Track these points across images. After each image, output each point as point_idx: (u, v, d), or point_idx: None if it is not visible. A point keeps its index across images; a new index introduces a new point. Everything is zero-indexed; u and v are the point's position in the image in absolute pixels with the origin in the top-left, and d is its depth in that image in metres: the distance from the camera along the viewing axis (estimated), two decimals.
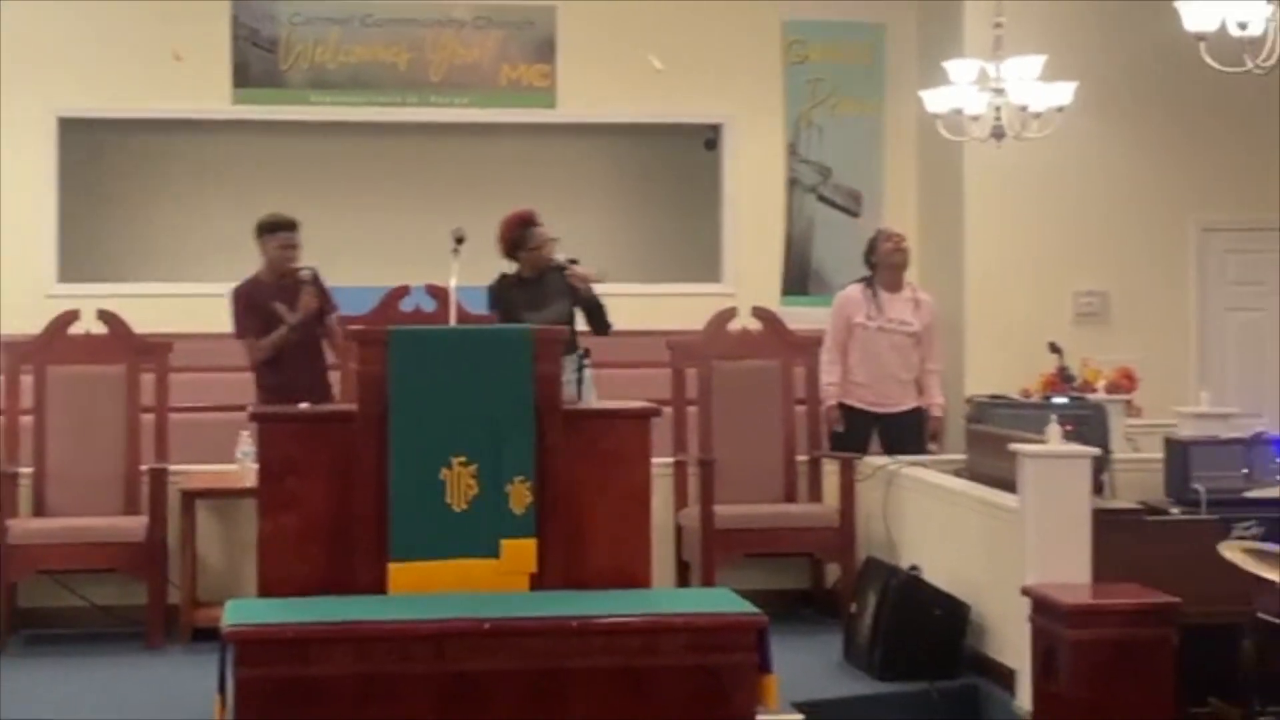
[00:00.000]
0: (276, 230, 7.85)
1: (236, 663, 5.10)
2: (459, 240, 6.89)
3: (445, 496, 5.62)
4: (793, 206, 11.15)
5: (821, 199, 11.16)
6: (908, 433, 8.46)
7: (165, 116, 10.93)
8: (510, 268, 7.87)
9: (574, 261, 7.85)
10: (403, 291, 7.68)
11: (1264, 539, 6.62)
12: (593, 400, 7.22)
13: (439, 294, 7.22)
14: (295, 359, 7.75)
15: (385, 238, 11.33)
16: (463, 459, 5.64)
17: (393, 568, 5.59)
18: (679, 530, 7.92)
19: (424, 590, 5.53)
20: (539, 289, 7.74)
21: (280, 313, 7.73)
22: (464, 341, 5.92)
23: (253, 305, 7.83)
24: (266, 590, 5.68)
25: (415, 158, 11.76)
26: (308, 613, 5.29)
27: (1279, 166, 10.38)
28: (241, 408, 6.84)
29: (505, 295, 7.77)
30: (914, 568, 7.08)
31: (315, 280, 7.77)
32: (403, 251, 10.50)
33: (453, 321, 6.64)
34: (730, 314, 8.38)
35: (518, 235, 7.84)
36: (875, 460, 8.03)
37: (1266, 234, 10.49)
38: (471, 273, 7.02)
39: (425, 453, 5.62)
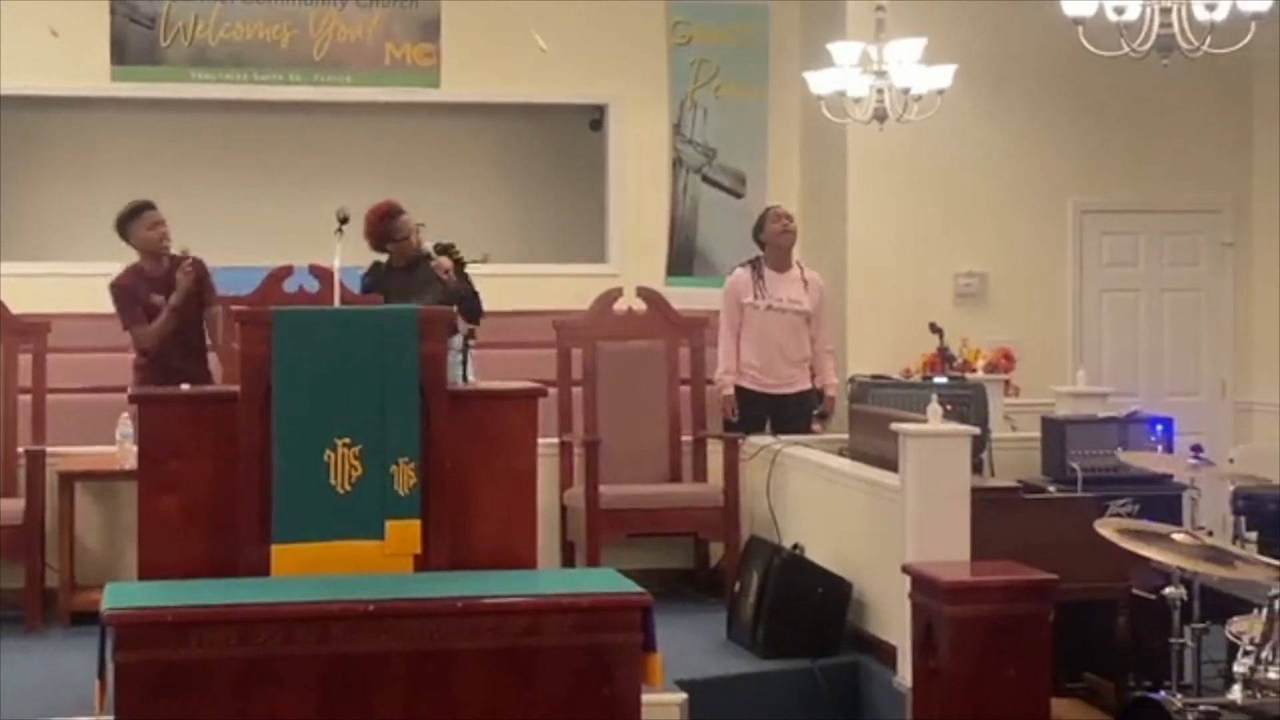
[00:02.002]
0: (140, 213, 7.78)
1: (116, 646, 5.04)
2: (343, 220, 6.85)
3: (329, 478, 5.59)
4: (677, 187, 11.17)
5: (706, 180, 11.20)
6: (797, 414, 8.52)
7: (42, 94, 10.76)
8: (385, 257, 7.87)
9: (445, 249, 7.85)
10: (286, 271, 7.62)
11: (1139, 516, 6.75)
12: (476, 381, 7.23)
13: (323, 274, 7.17)
14: (176, 342, 7.68)
15: (268, 217, 11.25)
16: (346, 440, 5.61)
17: (276, 550, 5.56)
18: (564, 510, 7.94)
19: (307, 572, 5.50)
20: (411, 277, 7.75)
21: (158, 305, 7.67)
22: (348, 322, 5.88)
23: (133, 295, 7.75)
24: (147, 573, 5.63)
25: (298, 137, 11.68)
26: (189, 596, 5.25)
27: (1155, 149, 10.56)
28: (122, 389, 6.75)
29: (379, 284, 7.78)
30: (797, 546, 7.14)
31: (197, 267, 7.70)
32: (286, 231, 10.41)
33: (336, 302, 6.60)
34: (615, 294, 8.39)
35: (383, 228, 7.86)
36: (759, 440, 8.08)
37: (1142, 216, 10.65)
38: (355, 253, 7.00)
39: (309, 434, 5.59)
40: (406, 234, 7.83)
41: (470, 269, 8.03)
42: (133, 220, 7.77)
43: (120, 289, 7.80)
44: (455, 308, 7.56)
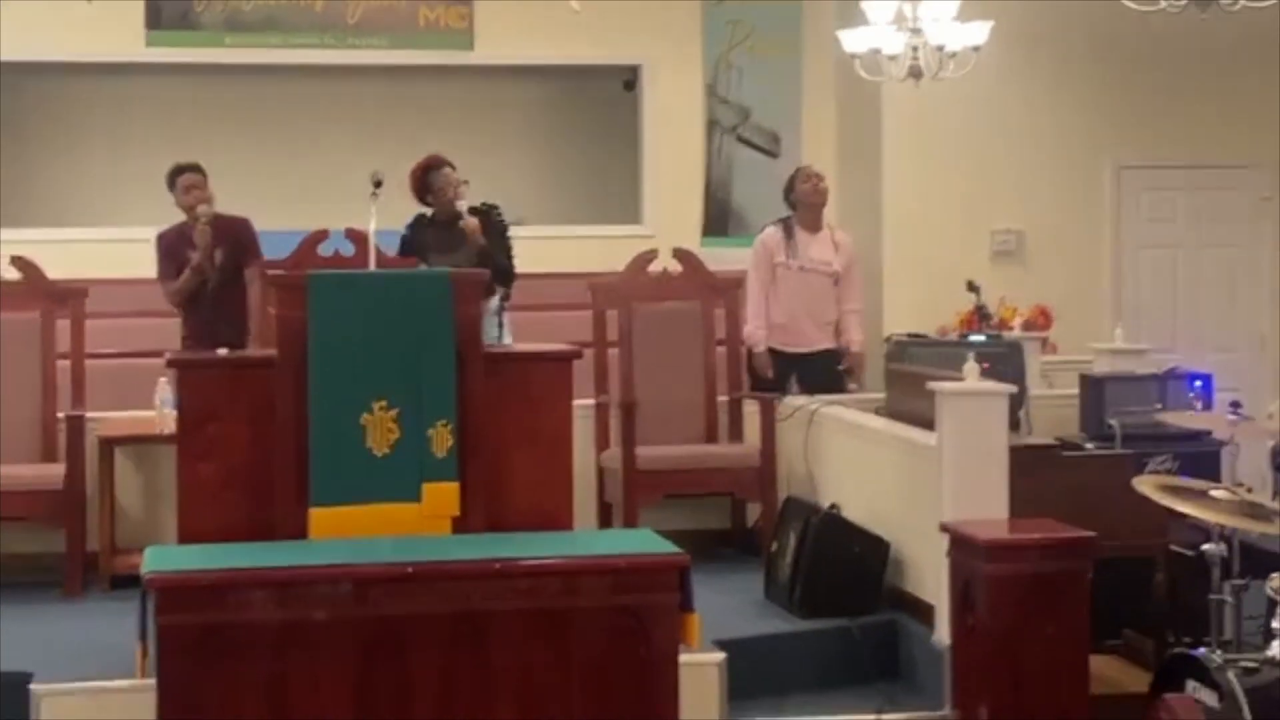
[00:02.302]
0: (180, 174, 7.85)
1: (157, 610, 5.07)
2: (377, 184, 6.84)
3: (366, 441, 5.60)
4: (712, 148, 11.15)
5: (741, 140, 11.17)
6: (824, 373, 8.51)
7: (78, 60, 10.78)
8: (429, 211, 7.88)
9: (488, 210, 7.85)
10: (321, 235, 7.63)
11: (1177, 473, 6.73)
12: (512, 344, 7.24)
13: (357, 238, 7.17)
14: (216, 305, 7.73)
15: (302, 181, 11.26)
16: (383, 403, 5.62)
17: (313, 513, 5.58)
18: (601, 472, 7.95)
19: (345, 535, 5.52)
20: (449, 234, 7.74)
21: (192, 259, 7.72)
22: (383, 285, 5.89)
23: (171, 251, 7.82)
24: (186, 537, 5.66)
25: (332, 100, 11.68)
26: (228, 559, 5.28)
27: (1193, 105, 10.48)
28: (159, 354, 6.79)
29: (417, 237, 7.82)
30: (833, 506, 7.14)
31: (219, 225, 7.72)
32: (320, 195, 10.42)
33: (372, 265, 6.61)
34: (650, 256, 8.39)
35: (424, 179, 7.88)
36: (795, 400, 8.08)
37: (1181, 172, 10.59)
38: (390, 216, 6.99)
39: (345, 397, 5.60)
40: (445, 187, 7.83)
41: (512, 232, 8.02)
42: (173, 181, 7.84)
43: (162, 240, 7.92)
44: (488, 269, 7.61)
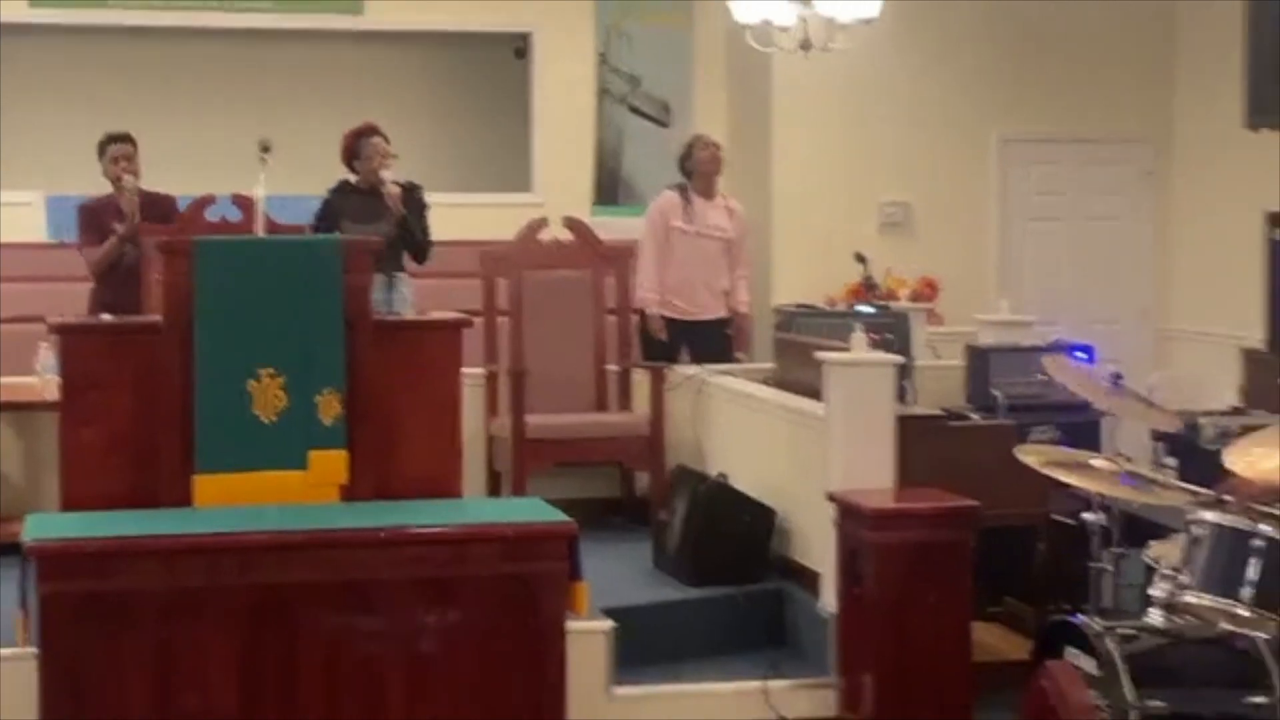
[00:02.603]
0: (110, 143, 7.79)
1: (38, 578, 5.01)
2: (265, 149, 6.78)
3: (252, 408, 5.56)
4: (603, 116, 11.14)
5: (631, 109, 11.17)
6: (715, 342, 8.55)
7: None
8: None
9: (411, 188, 7.85)
10: (208, 201, 7.55)
11: (1060, 443, 6.82)
12: (406, 312, 7.24)
13: (244, 204, 7.10)
14: (129, 279, 7.64)
15: (190, 146, 11.09)
16: (270, 370, 5.58)
17: (198, 480, 5.53)
18: (490, 440, 7.93)
19: (231, 503, 5.48)
20: (370, 202, 7.74)
21: (115, 231, 7.65)
22: (271, 252, 5.84)
23: (94, 220, 7.74)
24: (69, 504, 5.59)
25: (219, 64, 11.53)
26: (111, 527, 5.22)
27: (1079, 80, 10.60)
28: (40, 319, 6.69)
29: (336, 201, 7.81)
30: (722, 475, 7.18)
31: (144, 196, 7.64)
32: (208, 160, 10.29)
33: (260, 232, 6.54)
34: (541, 224, 8.37)
35: (354, 145, 7.91)
36: (685, 369, 8.10)
37: (1066, 146, 10.71)
38: (279, 183, 6.93)
39: (231, 364, 5.55)
40: (372, 155, 7.82)
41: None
42: (103, 150, 7.78)
43: (83, 211, 7.83)
44: (404, 242, 7.69)
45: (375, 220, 7.63)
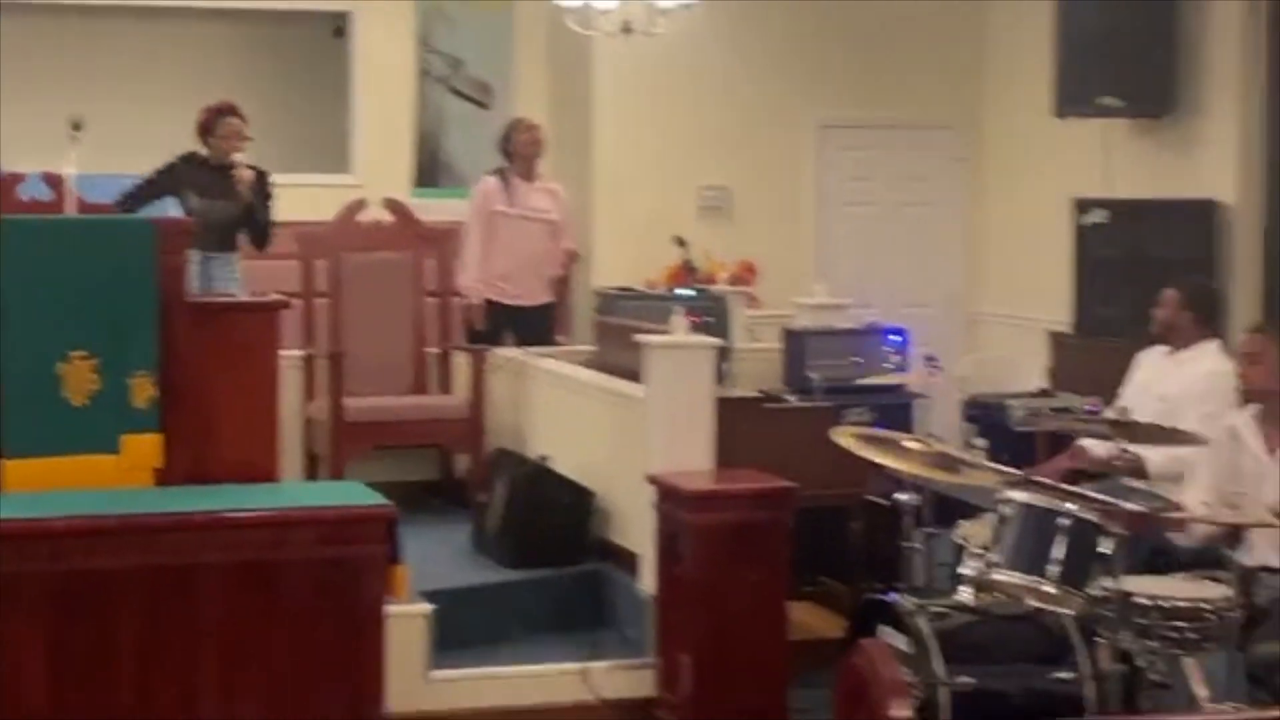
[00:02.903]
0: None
1: None
2: (76, 127, 6.66)
3: (62, 391, 5.44)
4: (423, 97, 11.07)
5: (452, 91, 11.11)
6: (540, 327, 8.56)
7: None
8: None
9: (260, 173, 7.79)
10: (17, 179, 7.38)
11: (874, 425, 6.94)
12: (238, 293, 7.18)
13: (54, 181, 6.96)
14: None
15: None
16: (82, 353, 5.47)
17: (7, 465, 5.40)
18: (308, 423, 7.86)
19: (41, 488, 5.37)
20: (220, 179, 7.64)
21: None
22: (83, 232, 5.72)
23: None
24: None
25: (30, 39, 11.25)
26: None
27: (893, 67, 10.75)
28: None
29: (179, 171, 7.75)
30: (543, 457, 7.20)
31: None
32: (16, 138, 10.05)
33: (71, 211, 6.41)
34: (360, 205, 8.31)
35: (211, 121, 7.84)
36: (505, 352, 8.10)
37: (880, 131, 10.86)
38: (91, 161, 6.80)
39: (40, 346, 5.43)
40: (229, 135, 7.72)
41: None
42: None
43: None
44: (248, 226, 7.71)
45: (221, 198, 7.60)
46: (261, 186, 7.79)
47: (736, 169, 10.63)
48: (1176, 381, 6.26)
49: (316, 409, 7.82)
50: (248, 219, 7.70)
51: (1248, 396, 5.51)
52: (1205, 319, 6.41)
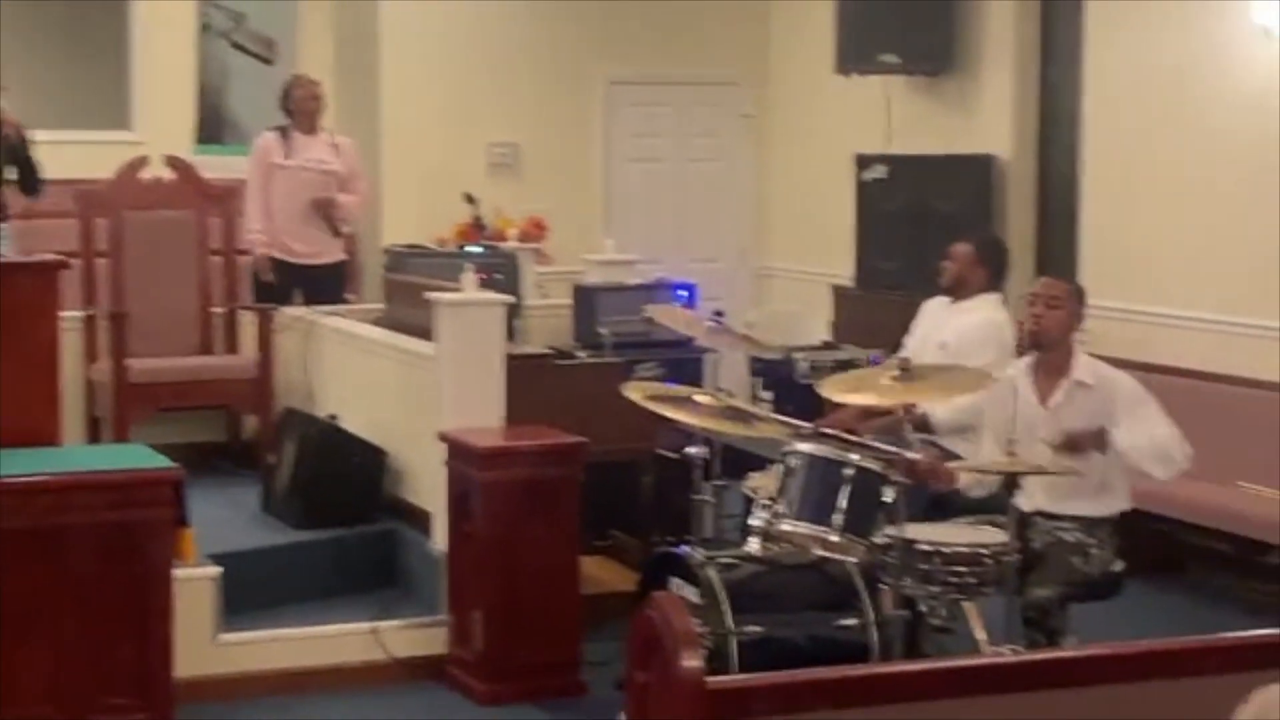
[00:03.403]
0: None
1: None
2: None
3: None
4: (205, 53, 10.86)
5: (235, 46, 10.92)
6: (329, 286, 8.47)
7: None
8: None
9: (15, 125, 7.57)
10: None
11: (664, 379, 7.01)
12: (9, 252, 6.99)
13: None
14: None
15: None
16: None
17: None
18: (90, 385, 7.71)
19: None
20: None
21: None
22: None
23: None
24: None
25: None
26: None
27: (681, 24, 10.82)
28: None
29: None
30: (332, 417, 7.15)
31: None
32: None
33: None
34: (141, 162, 8.15)
35: None
36: (293, 311, 8.02)
37: (668, 88, 10.93)
38: None
39: None
40: None
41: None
42: None
43: None
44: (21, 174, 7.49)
45: None
46: (23, 138, 7.57)
47: (526, 126, 10.63)
48: (954, 330, 6.41)
49: (99, 371, 7.67)
50: (19, 162, 7.44)
51: (1034, 342, 5.65)
52: (995, 273, 6.57)
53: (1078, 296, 5.66)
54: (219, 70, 10.90)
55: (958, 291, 6.53)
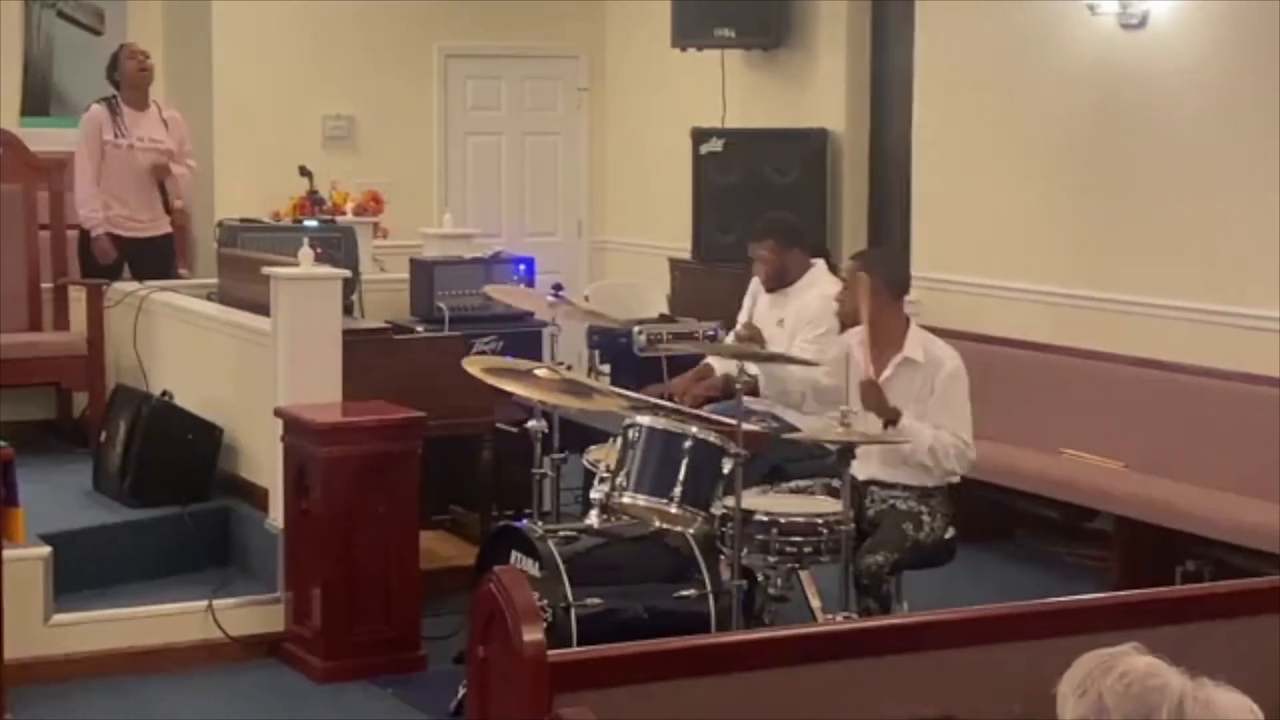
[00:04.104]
0: None
1: None
2: None
3: None
4: (31, 22, 10.62)
5: (62, 16, 10.68)
6: (158, 260, 8.33)
7: None
8: None
9: None
10: None
11: (503, 353, 7.02)
12: None
13: None
14: None
15: None
16: None
17: None
18: None
19: None
20: None
21: None
22: None
23: None
24: None
25: None
26: None
27: None
28: None
29: None
30: (165, 394, 7.05)
31: None
32: None
33: None
34: None
35: None
36: (125, 286, 7.89)
37: (504, 61, 10.90)
38: None
39: None
40: None
41: None
42: None
43: None
44: None
45: None
46: None
47: (361, 98, 10.54)
48: (793, 306, 6.49)
49: None
50: None
51: (842, 321, 5.74)
52: (804, 244, 6.66)
53: (877, 269, 5.64)
54: (45, 41, 10.66)
55: (783, 280, 6.57)
